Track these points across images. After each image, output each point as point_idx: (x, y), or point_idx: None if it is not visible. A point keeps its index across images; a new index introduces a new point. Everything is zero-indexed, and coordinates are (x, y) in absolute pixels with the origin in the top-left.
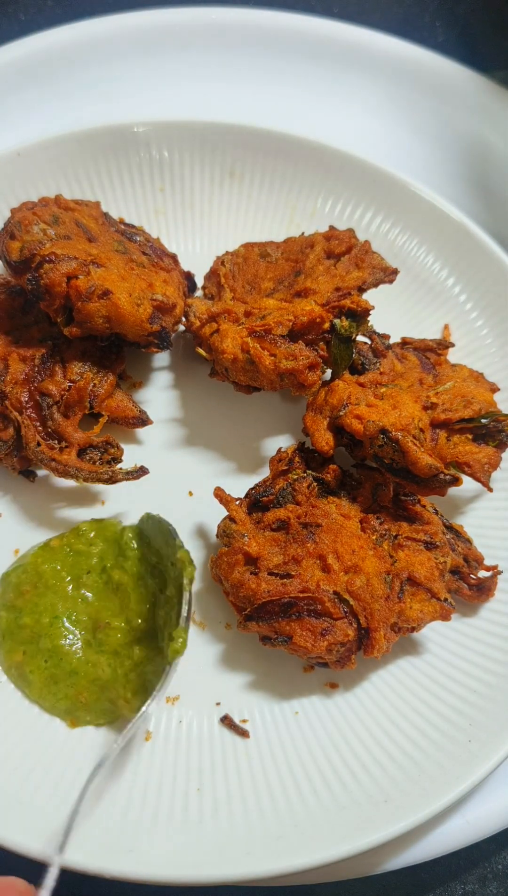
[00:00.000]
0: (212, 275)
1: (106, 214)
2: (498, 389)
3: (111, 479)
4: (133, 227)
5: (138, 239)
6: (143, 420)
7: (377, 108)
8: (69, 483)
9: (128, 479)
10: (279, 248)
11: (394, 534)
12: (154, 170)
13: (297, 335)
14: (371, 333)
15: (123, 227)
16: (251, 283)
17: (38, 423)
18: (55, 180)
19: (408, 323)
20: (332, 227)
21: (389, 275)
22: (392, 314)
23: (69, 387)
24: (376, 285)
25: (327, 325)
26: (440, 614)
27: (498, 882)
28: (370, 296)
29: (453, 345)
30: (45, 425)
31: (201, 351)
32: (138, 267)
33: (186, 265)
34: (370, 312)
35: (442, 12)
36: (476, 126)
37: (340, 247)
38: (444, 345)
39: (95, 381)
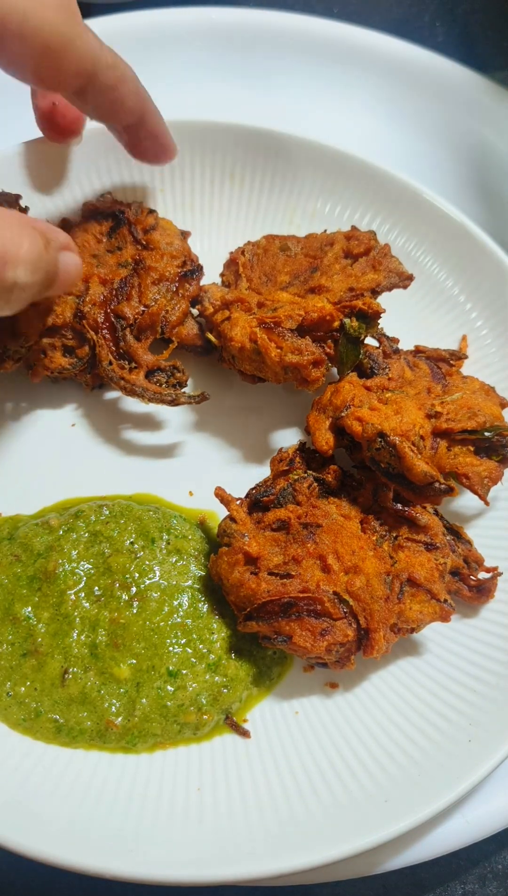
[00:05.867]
0: (231, 263)
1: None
2: None
3: (174, 402)
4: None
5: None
6: (207, 349)
7: (377, 108)
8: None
9: (190, 403)
10: (300, 243)
11: (394, 535)
12: (154, 170)
13: (306, 331)
14: (380, 336)
15: None
16: (268, 275)
17: (111, 344)
18: (55, 180)
19: (407, 324)
20: (354, 227)
21: (404, 280)
22: (392, 314)
23: (143, 311)
24: (390, 289)
25: (336, 324)
26: (439, 615)
27: (498, 882)
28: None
29: (466, 356)
30: (118, 346)
31: (211, 336)
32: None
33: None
34: (381, 316)
35: (442, 12)
36: (476, 126)
37: (359, 247)
38: (457, 356)
39: (167, 308)
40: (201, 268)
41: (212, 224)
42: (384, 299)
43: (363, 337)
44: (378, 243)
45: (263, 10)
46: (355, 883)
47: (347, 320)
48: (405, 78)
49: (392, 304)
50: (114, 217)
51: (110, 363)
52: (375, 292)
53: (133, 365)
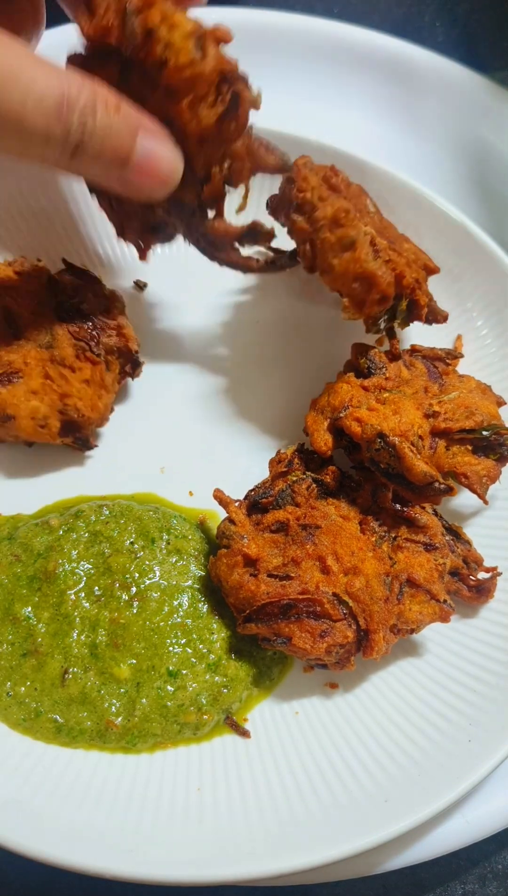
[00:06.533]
0: (320, 170)
1: (50, 279)
2: (505, 403)
3: (277, 268)
4: (82, 275)
5: (76, 315)
6: (284, 165)
7: (377, 108)
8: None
9: (287, 265)
10: (376, 219)
11: (393, 535)
12: None
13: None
14: (393, 338)
15: (64, 295)
16: (357, 207)
17: (188, 232)
18: (55, 180)
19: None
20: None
21: (441, 319)
22: None
23: (201, 189)
24: (428, 320)
25: (395, 293)
26: (439, 616)
27: (498, 882)
28: None
29: (462, 356)
30: (198, 235)
31: (299, 219)
32: (58, 368)
33: (186, 265)
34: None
35: (442, 12)
36: (476, 126)
37: (430, 263)
38: (453, 355)
39: (226, 170)
40: (241, 79)
41: None
42: None
43: (395, 324)
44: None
45: (263, 10)
46: (355, 883)
47: (403, 301)
48: (405, 78)
49: None
50: (117, 55)
51: (202, 247)
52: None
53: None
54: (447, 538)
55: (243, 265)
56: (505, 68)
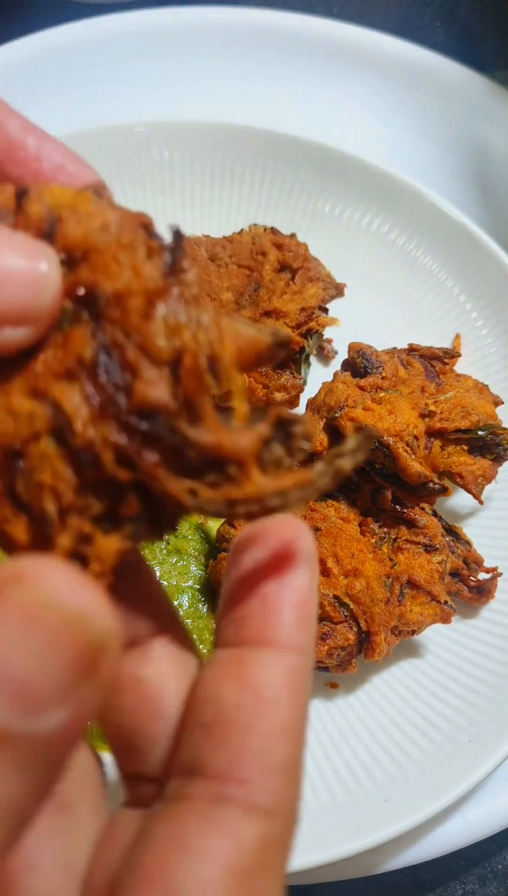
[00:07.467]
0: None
1: None
2: (502, 403)
3: (338, 473)
4: None
5: None
6: (281, 342)
7: (377, 108)
8: None
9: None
10: (226, 249)
11: (393, 536)
12: (154, 170)
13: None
14: (321, 343)
15: None
16: (208, 293)
17: (170, 464)
18: None
19: (407, 323)
20: (274, 231)
21: (339, 291)
22: (391, 313)
23: (174, 375)
24: (330, 301)
25: (298, 348)
26: (440, 617)
27: (498, 882)
28: (371, 297)
29: (460, 355)
30: (182, 459)
31: None
32: None
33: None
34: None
35: (442, 12)
36: (477, 126)
37: (296, 261)
38: (451, 354)
39: (202, 339)
40: (181, 236)
41: (212, 224)
42: (383, 299)
43: (312, 352)
44: (302, 248)
45: (263, 10)
46: (355, 883)
47: (305, 342)
48: (405, 78)
49: (392, 303)
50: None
51: (194, 493)
52: (321, 308)
53: (229, 467)
54: (447, 539)
55: (277, 494)
56: (505, 68)
